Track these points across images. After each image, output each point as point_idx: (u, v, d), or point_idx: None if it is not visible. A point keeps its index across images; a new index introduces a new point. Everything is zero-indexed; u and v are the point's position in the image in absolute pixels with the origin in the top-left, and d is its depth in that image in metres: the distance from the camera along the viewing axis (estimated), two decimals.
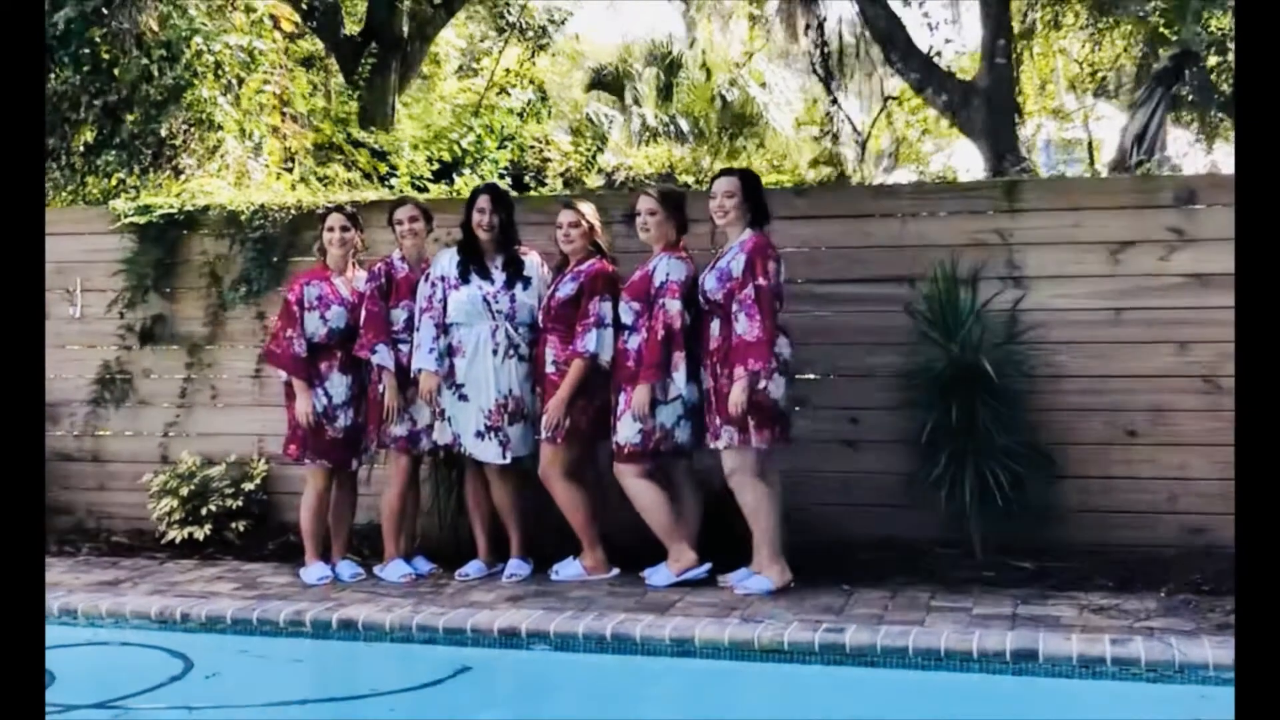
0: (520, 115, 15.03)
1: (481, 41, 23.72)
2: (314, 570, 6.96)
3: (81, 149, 8.93)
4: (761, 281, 6.25)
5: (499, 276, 6.88)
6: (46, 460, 8.31)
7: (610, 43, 27.31)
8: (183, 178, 8.78)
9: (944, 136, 21.08)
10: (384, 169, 12.12)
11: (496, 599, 6.42)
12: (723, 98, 23.93)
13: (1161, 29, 12.91)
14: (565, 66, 25.60)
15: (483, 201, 6.90)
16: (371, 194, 8.80)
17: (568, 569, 6.82)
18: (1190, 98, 10.55)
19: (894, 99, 16.60)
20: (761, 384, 6.22)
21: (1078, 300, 6.93)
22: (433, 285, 6.90)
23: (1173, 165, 10.42)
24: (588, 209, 6.93)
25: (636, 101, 24.71)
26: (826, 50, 13.46)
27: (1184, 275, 6.79)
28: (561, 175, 16.82)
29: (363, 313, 6.96)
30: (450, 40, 22.11)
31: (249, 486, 7.87)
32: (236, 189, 8.71)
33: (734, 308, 6.28)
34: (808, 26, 13.49)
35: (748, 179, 6.62)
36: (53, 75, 8.73)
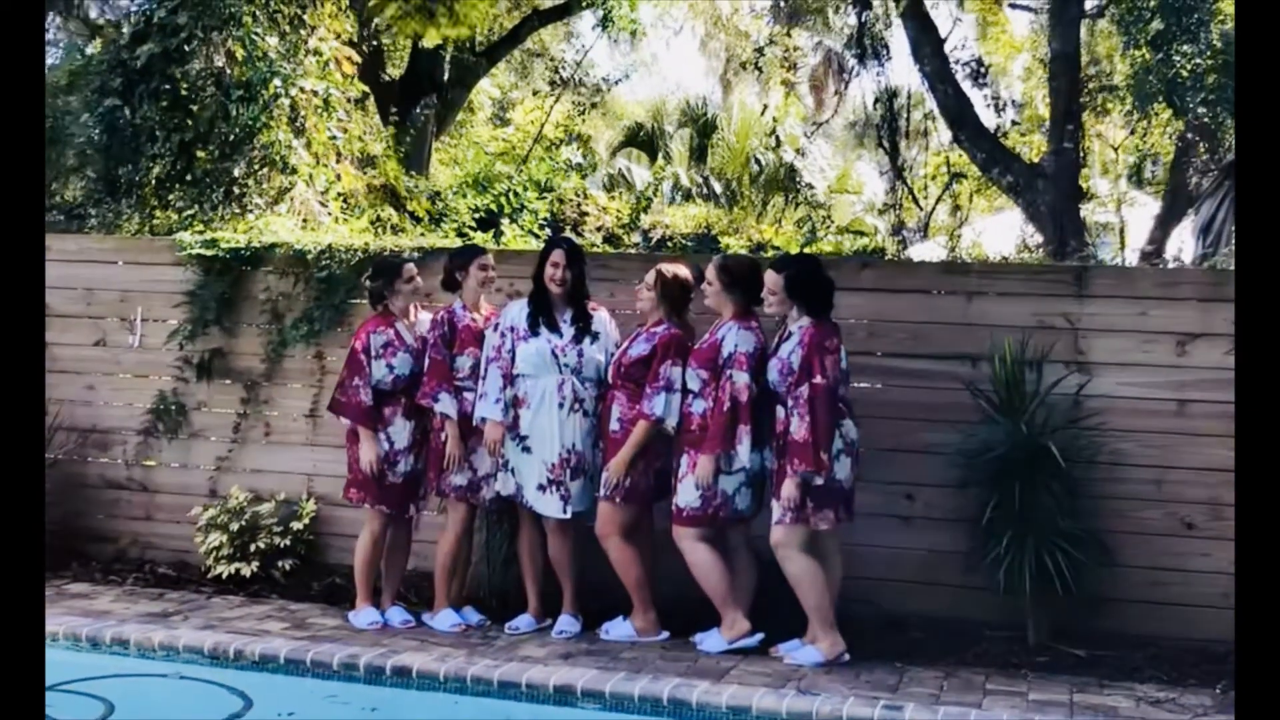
0: (568, 170, 15.14)
1: (512, 91, 23.94)
2: (364, 615, 6.94)
3: (152, 183, 8.98)
4: (818, 380, 6.26)
5: (568, 330, 6.90)
6: (95, 487, 8.39)
7: (641, 99, 27.59)
8: (250, 217, 8.81)
9: (981, 213, 21.17)
10: (436, 212, 12.22)
11: (548, 654, 6.41)
12: (757, 161, 24.03)
13: (1206, 120, 12.99)
14: (597, 122, 25.77)
15: (557, 256, 6.91)
16: (437, 240, 8.84)
17: (618, 629, 6.80)
18: None
19: (960, 175, 16.60)
20: (818, 480, 6.24)
21: (1142, 389, 6.93)
22: (502, 335, 6.91)
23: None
24: (680, 270, 6.93)
25: (667, 159, 24.81)
26: (895, 124, 13.54)
27: None
28: (599, 229, 16.88)
29: (426, 360, 6.99)
30: (486, 89, 22.33)
31: (297, 526, 7.84)
32: (304, 231, 8.74)
33: (790, 403, 6.31)
34: (877, 100, 13.58)
35: (793, 276, 6.52)
36: (128, 109, 8.83)
